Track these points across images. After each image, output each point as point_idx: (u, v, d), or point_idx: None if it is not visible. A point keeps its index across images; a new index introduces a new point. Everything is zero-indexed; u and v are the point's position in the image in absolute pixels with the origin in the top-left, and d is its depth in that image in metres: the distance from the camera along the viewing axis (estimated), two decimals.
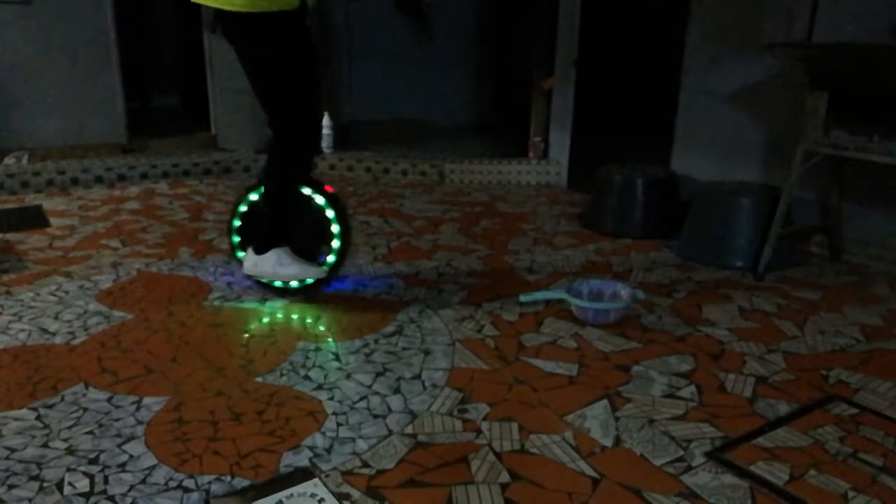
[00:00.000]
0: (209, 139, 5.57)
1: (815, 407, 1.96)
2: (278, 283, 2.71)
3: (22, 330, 2.38)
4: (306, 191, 2.68)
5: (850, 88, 2.79)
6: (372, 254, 3.29)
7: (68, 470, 1.62)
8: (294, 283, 2.70)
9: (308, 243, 2.73)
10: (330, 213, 2.70)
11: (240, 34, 2.41)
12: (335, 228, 2.71)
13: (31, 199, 4.25)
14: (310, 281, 2.71)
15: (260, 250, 2.62)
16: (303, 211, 2.70)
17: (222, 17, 2.37)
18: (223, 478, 1.60)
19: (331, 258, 2.74)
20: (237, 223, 2.79)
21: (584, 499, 1.55)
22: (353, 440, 1.76)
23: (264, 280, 2.73)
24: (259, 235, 2.65)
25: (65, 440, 1.74)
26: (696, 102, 3.87)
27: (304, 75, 2.47)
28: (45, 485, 1.57)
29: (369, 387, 2.03)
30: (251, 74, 2.48)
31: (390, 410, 1.90)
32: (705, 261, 3.20)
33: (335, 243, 2.73)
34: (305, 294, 2.73)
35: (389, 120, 6.46)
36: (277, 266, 2.62)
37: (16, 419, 1.83)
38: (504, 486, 1.59)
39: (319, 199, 2.70)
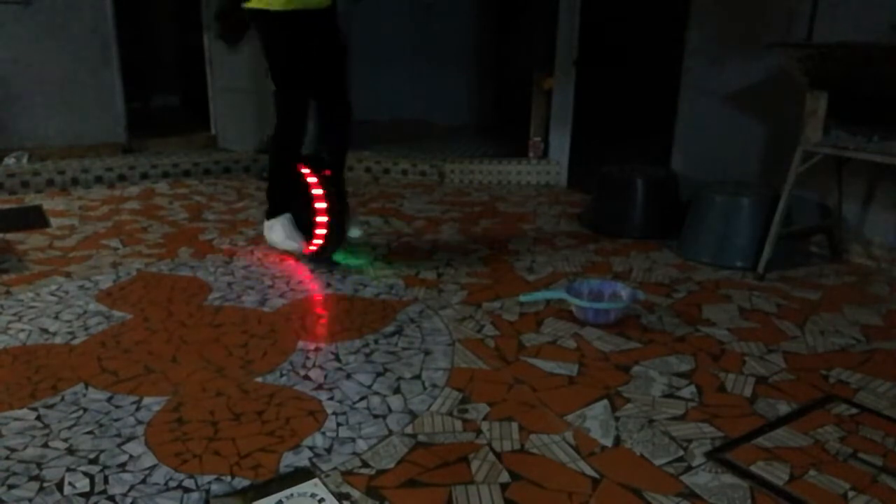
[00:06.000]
0: (209, 139, 5.57)
1: (815, 407, 1.96)
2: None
3: (22, 330, 2.38)
4: (305, 171, 2.97)
5: (850, 88, 2.79)
6: (372, 254, 3.29)
7: (68, 470, 1.62)
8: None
9: (305, 218, 3.03)
10: (319, 193, 2.94)
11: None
12: (324, 207, 2.94)
13: (31, 199, 4.25)
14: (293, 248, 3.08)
15: (267, 216, 3.14)
16: (297, 188, 3.02)
17: None
18: (223, 478, 1.60)
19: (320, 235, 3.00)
20: None
21: (584, 499, 1.55)
22: (353, 440, 1.76)
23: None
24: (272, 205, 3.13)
25: (65, 440, 1.74)
26: (696, 102, 3.87)
27: (282, 72, 2.90)
28: (45, 485, 1.57)
29: (369, 387, 2.03)
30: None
31: (390, 410, 1.91)
32: (705, 261, 3.20)
33: (324, 221, 2.96)
34: (311, 261, 3.10)
35: (389, 120, 6.47)
36: (270, 231, 3.11)
37: (16, 419, 1.83)
38: (504, 486, 1.59)
39: (312, 181, 2.95)
